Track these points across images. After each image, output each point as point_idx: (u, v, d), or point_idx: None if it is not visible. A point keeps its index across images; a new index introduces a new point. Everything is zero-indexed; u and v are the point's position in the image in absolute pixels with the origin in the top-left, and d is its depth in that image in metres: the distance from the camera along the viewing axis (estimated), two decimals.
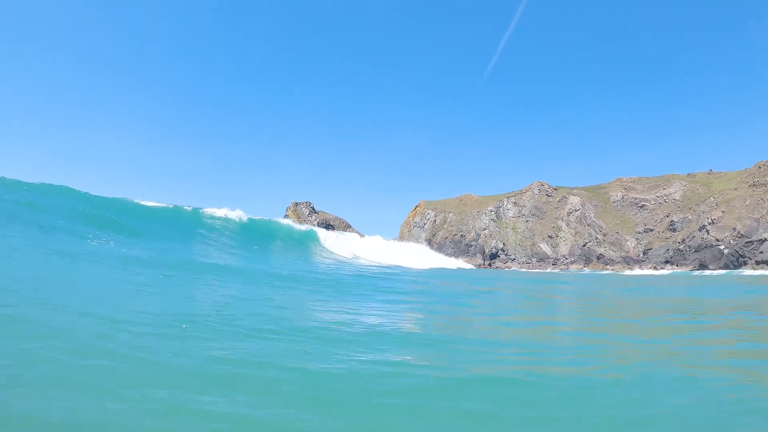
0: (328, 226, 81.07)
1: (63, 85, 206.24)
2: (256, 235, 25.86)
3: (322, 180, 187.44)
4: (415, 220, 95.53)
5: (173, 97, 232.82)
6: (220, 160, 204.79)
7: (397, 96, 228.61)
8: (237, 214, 26.99)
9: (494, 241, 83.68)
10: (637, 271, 57.08)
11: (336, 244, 31.87)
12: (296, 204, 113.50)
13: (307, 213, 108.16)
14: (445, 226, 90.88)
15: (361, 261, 29.01)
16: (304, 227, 33.36)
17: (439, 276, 25.36)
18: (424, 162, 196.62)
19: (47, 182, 20.32)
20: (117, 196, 22.83)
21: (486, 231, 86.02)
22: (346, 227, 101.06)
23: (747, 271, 51.35)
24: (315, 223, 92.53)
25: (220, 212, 26.39)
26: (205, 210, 25.98)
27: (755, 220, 61.61)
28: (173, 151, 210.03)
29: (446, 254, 69.33)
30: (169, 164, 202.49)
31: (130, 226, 17.25)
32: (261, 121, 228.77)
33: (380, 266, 26.82)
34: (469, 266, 60.62)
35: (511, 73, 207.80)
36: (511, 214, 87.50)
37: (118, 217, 17.68)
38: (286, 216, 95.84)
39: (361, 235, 42.50)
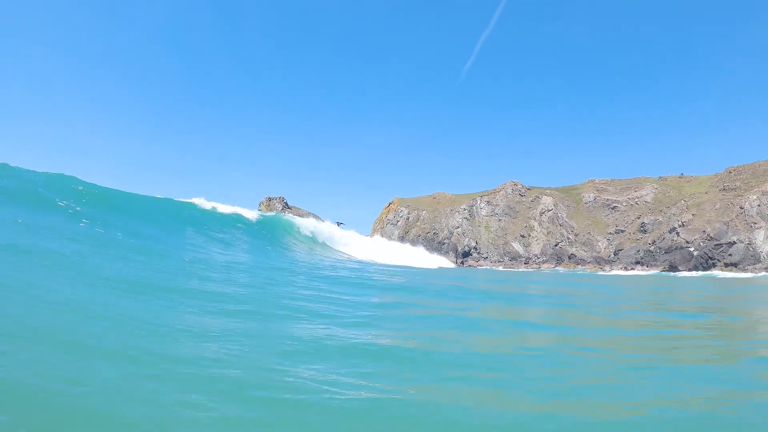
0: None
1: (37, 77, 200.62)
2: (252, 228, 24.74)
3: (295, 175, 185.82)
4: (388, 218, 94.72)
5: (143, 88, 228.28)
6: (190, 153, 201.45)
7: (373, 90, 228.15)
8: (253, 213, 26.11)
9: (467, 239, 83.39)
10: (615, 272, 57.16)
11: (340, 243, 30.89)
12: (269, 199, 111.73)
13: (280, 208, 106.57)
14: (418, 223, 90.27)
15: (359, 259, 28.07)
16: (308, 221, 32.17)
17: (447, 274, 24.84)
18: (398, 159, 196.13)
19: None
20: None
21: (459, 229, 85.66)
22: None
23: (719, 274, 51.85)
24: None
25: (226, 208, 25.38)
26: (206, 204, 24.96)
27: (725, 224, 62.31)
28: (142, 143, 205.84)
29: None
30: (136, 156, 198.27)
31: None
32: (233, 114, 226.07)
33: (386, 265, 26.12)
34: (451, 265, 60.28)
35: (489, 71, 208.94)
36: (484, 212, 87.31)
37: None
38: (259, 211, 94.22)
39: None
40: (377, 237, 40.64)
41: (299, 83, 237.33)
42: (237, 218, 24.65)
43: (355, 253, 31.41)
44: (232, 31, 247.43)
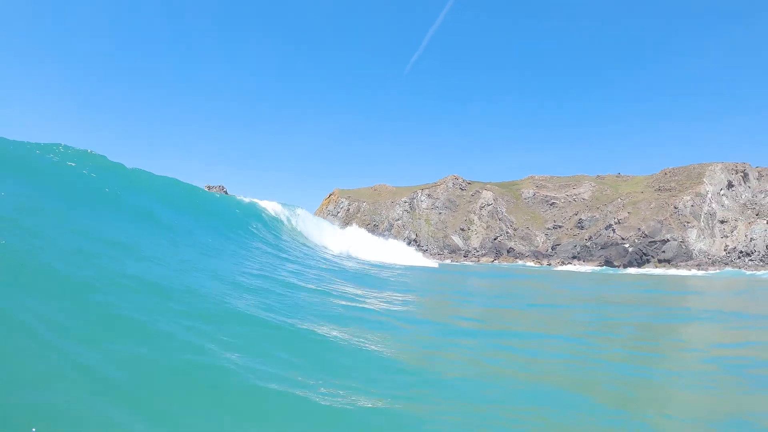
0: None
1: None
2: None
3: (232, 163, 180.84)
4: (328, 209, 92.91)
5: (76, 70, 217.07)
6: (125, 138, 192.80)
7: (315, 79, 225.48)
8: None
9: (407, 231, 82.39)
10: (561, 268, 56.88)
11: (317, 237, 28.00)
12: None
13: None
14: (359, 215, 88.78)
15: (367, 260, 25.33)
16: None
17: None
18: (340, 149, 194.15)
19: None
20: None
21: (399, 221, 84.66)
22: None
23: (649, 269, 52.70)
24: None
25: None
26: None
27: (659, 222, 63.47)
28: (64, 126, 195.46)
29: None
30: (63, 139, 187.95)
31: None
32: (171, 99, 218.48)
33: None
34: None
35: (435, 65, 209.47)
36: (424, 205, 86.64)
37: None
38: None
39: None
40: (362, 231, 37.25)
41: (236, 68, 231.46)
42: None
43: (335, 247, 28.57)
44: (176, 13, 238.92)
